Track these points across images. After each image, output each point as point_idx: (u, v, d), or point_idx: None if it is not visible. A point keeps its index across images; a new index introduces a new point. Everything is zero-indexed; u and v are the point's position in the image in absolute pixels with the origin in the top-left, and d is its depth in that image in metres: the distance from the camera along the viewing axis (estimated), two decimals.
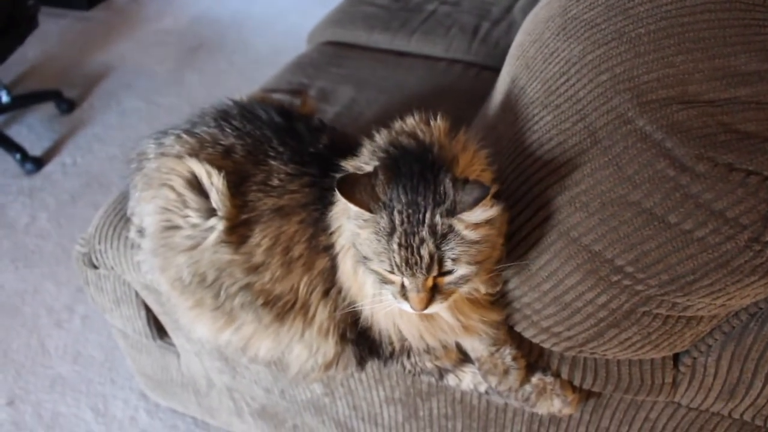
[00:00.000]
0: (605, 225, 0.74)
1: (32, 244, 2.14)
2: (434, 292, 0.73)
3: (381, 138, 0.79)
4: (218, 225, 0.84)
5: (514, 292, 0.86)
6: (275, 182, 0.85)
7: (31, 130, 2.69)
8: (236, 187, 0.85)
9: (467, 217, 0.69)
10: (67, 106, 2.79)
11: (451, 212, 0.69)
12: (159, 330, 1.32)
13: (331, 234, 0.81)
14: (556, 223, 0.79)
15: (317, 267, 0.84)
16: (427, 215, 0.69)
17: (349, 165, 0.78)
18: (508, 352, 0.89)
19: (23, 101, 2.80)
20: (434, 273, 0.71)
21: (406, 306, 0.74)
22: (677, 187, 0.68)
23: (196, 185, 0.86)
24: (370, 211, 0.70)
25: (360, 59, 1.78)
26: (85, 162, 2.51)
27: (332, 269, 0.83)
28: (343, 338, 0.89)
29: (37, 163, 2.48)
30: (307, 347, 0.89)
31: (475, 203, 0.68)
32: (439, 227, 0.69)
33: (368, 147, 0.79)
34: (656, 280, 0.72)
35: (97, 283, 1.26)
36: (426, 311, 0.74)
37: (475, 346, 0.90)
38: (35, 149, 2.56)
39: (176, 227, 0.88)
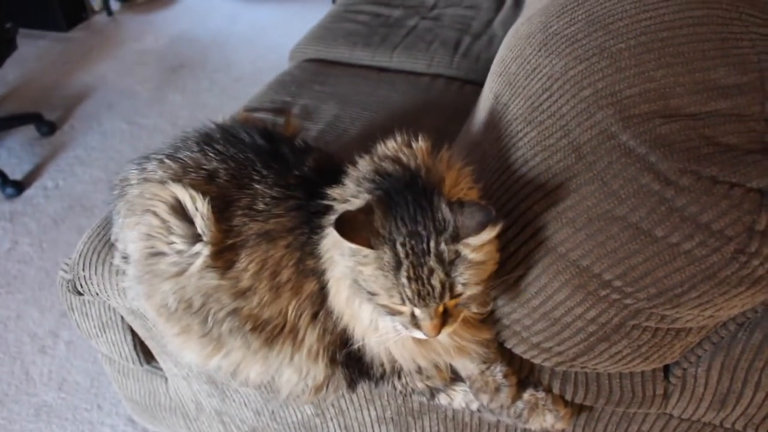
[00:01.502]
0: (592, 240, 0.74)
1: (14, 270, 2.11)
2: (446, 317, 0.73)
3: (365, 165, 0.78)
4: (204, 250, 0.83)
5: (504, 308, 0.85)
6: (260, 206, 0.84)
7: (12, 154, 2.66)
8: (221, 211, 0.84)
9: (473, 241, 0.69)
10: (48, 128, 2.76)
11: (455, 238, 0.69)
12: (146, 354, 1.30)
13: (319, 260, 0.80)
14: (543, 239, 0.79)
15: (305, 291, 0.83)
16: (432, 244, 0.68)
17: (335, 193, 0.77)
18: (498, 370, 0.88)
19: (3, 124, 2.76)
20: (446, 299, 0.71)
21: (419, 334, 0.74)
22: (662, 201, 0.68)
23: (180, 211, 0.85)
24: (371, 247, 0.69)
25: (342, 76, 1.78)
26: (67, 185, 2.48)
27: (320, 292, 0.82)
28: (332, 361, 0.88)
29: (18, 187, 2.44)
30: (297, 371, 0.88)
31: (481, 228, 0.68)
32: (446, 254, 0.69)
33: (352, 174, 0.78)
34: (645, 293, 0.72)
35: (81, 309, 1.24)
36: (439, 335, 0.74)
37: (466, 365, 0.89)
38: (16, 173, 2.53)
39: (161, 254, 0.86)
